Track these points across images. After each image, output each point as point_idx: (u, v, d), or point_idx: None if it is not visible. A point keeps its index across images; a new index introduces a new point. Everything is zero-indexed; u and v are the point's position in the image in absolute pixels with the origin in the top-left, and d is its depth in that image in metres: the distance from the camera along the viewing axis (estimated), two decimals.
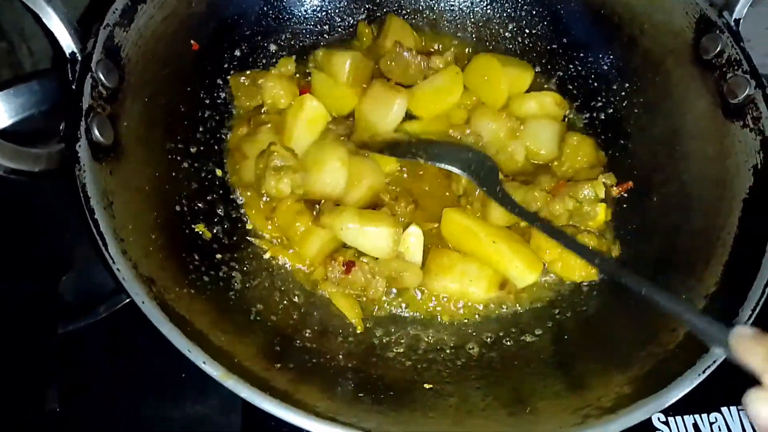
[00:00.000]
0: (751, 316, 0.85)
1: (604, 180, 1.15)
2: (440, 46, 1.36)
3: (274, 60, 1.28)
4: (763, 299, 0.87)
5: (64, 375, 1.20)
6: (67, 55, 0.93)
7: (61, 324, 1.25)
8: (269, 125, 1.16)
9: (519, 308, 1.11)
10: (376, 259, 1.08)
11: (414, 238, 1.11)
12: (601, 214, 1.15)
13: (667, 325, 0.93)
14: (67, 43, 0.93)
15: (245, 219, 1.13)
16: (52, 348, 1.23)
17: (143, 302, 0.77)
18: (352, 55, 1.22)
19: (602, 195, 1.16)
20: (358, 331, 1.04)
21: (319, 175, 1.10)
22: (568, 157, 1.21)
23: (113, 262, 0.79)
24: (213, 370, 0.75)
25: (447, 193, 1.21)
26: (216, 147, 1.16)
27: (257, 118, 1.19)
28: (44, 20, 0.91)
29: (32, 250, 1.34)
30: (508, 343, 1.05)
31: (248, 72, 1.20)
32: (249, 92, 1.19)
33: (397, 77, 1.24)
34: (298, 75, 1.27)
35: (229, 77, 1.20)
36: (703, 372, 0.81)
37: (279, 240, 1.11)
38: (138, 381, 1.23)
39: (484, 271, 1.09)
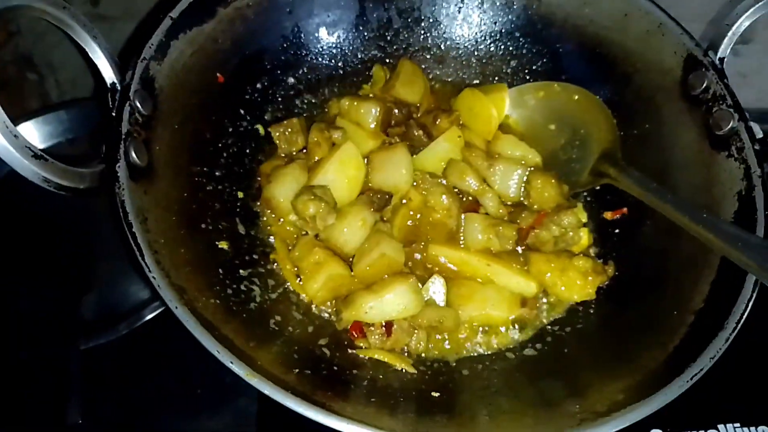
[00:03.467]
0: (734, 329, 0.92)
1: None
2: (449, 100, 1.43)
3: (292, 92, 1.37)
4: (746, 313, 0.93)
5: (86, 389, 1.25)
6: (108, 85, 1.03)
7: (83, 341, 1.31)
8: (303, 160, 1.25)
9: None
10: None
11: (436, 288, 1.16)
12: (585, 238, 1.25)
13: (658, 339, 1.00)
14: (109, 74, 1.03)
15: (264, 238, 1.21)
16: (74, 363, 1.29)
17: (176, 307, 0.84)
18: (378, 104, 1.31)
19: (584, 220, 1.26)
20: (411, 371, 1.07)
21: (339, 225, 1.17)
22: (536, 200, 1.26)
23: (149, 270, 0.86)
24: (239, 369, 0.81)
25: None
26: (238, 171, 1.24)
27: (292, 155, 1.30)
28: (90, 54, 1.01)
29: (55, 270, 1.41)
30: (511, 356, 1.11)
31: (285, 122, 1.29)
32: (289, 140, 1.30)
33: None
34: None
35: (270, 128, 1.29)
36: (691, 379, 0.88)
37: (293, 268, 1.18)
38: (155, 396, 1.28)
39: (502, 293, 1.16)
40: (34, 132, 1.52)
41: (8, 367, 1.29)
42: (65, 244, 1.44)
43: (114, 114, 0.98)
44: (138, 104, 1.00)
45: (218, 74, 1.22)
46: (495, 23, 1.42)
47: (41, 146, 1.52)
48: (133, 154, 0.95)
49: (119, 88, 1.02)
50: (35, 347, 1.32)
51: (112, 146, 0.95)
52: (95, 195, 0.94)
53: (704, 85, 1.16)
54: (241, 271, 1.10)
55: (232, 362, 0.82)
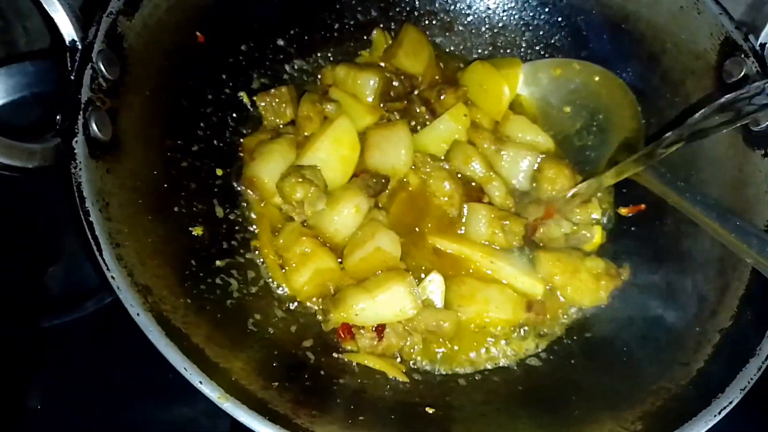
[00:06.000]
0: None
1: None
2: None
3: (281, 56, 1.23)
4: None
5: (47, 372, 1.17)
6: (67, 43, 0.88)
7: (46, 318, 1.22)
8: (291, 135, 1.13)
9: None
10: None
11: (433, 287, 1.05)
12: (598, 236, 1.15)
13: (677, 358, 0.91)
14: (68, 30, 0.88)
15: (245, 223, 1.09)
16: (35, 343, 1.20)
17: (138, 314, 0.73)
18: (377, 75, 1.18)
19: (598, 217, 1.16)
20: (403, 380, 0.98)
21: (330, 211, 1.05)
22: (546, 191, 1.15)
23: (108, 269, 0.75)
24: (210, 391, 0.71)
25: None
26: (218, 145, 1.11)
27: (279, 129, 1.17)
28: (45, 5, 0.86)
29: (17, 238, 1.30)
30: (513, 366, 1.02)
31: (273, 91, 1.17)
32: (277, 111, 1.18)
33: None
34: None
35: (255, 97, 1.17)
36: (719, 413, 0.78)
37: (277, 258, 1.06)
38: (124, 381, 1.20)
39: (506, 293, 1.06)
40: None
41: None
42: (29, 211, 1.32)
43: (73, 78, 0.84)
44: (102, 67, 0.86)
45: (198, 33, 1.07)
46: None
47: (2, 101, 1.39)
48: (94, 127, 0.82)
49: (80, 47, 0.87)
50: None
51: (69, 117, 0.81)
52: (48, 175, 0.81)
53: (742, 73, 1.04)
54: (217, 261, 0.98)
55: (201, 382, 0.71)
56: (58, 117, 0.84)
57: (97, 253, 0.75)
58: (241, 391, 0.74)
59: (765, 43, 1.06)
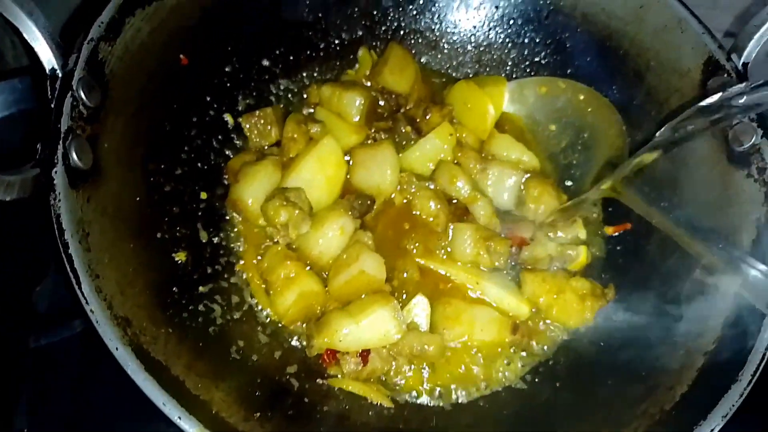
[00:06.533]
0: (750, 382, 0.82)
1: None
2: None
3: (266, 76, 1.23)
4: (763, 364, 0.84)
5: (35, 392, 1.15)
6: (47, 72, 0.87)
7: (34, 338, 1.20)
8: (276, 157, 1.13)
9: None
10: None
11: (419, 310, 1.05)
12: (583, 256, 1.14)
13: (663, 381, 0.90)
14: (48, 58, 0.87)
15: (229, 247, 1.08)
16: (22, 363, 1.18)
17: (117, 349, 0.73)
18: (362, 94, 1.18)
19: (583, 237, 1.15)
20: (388, 405, 0.98)
21: (315, 233, 1.05)
22: (531, 210, 1.15)
23: (86, 303, 0.74)
24: (189, 427, 0.70)
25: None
26: (202, 168, 1.10)
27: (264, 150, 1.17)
28: (24, 34, 0.85)
29: (4, 255, 1.28)
30: (499, 389, 1.02)
31: (258, 112, 1.16)
32: (262, 132, 1.17)
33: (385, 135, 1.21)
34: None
35: (240, 119, 1.16)
36: None
37: (261, 281, 1.06)
38: (111, 401, 1.18)
39: (491, 314, 1.05)
40: None
41: None
42: (16, 228, 1.30)
43: (53, 107, 0.84)
44: (82, 95, 0.86)
45: (181, 55, 1.07)
46: (497, 7, 1.28)
47: None
48: (74, 156, 0.82)
49: (60, 74, 0.86)
50: None
51: (50, 147, 0.81)
52: (28, 205, 0.80)
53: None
54: (200, 287, 0.98)
55: (180, 418, 0.70)
56: (38, 146, 0.83)
57: (76, 287, 0.75)
58: (221, 424, 0.74)
59: (748, 63, 1.06)
